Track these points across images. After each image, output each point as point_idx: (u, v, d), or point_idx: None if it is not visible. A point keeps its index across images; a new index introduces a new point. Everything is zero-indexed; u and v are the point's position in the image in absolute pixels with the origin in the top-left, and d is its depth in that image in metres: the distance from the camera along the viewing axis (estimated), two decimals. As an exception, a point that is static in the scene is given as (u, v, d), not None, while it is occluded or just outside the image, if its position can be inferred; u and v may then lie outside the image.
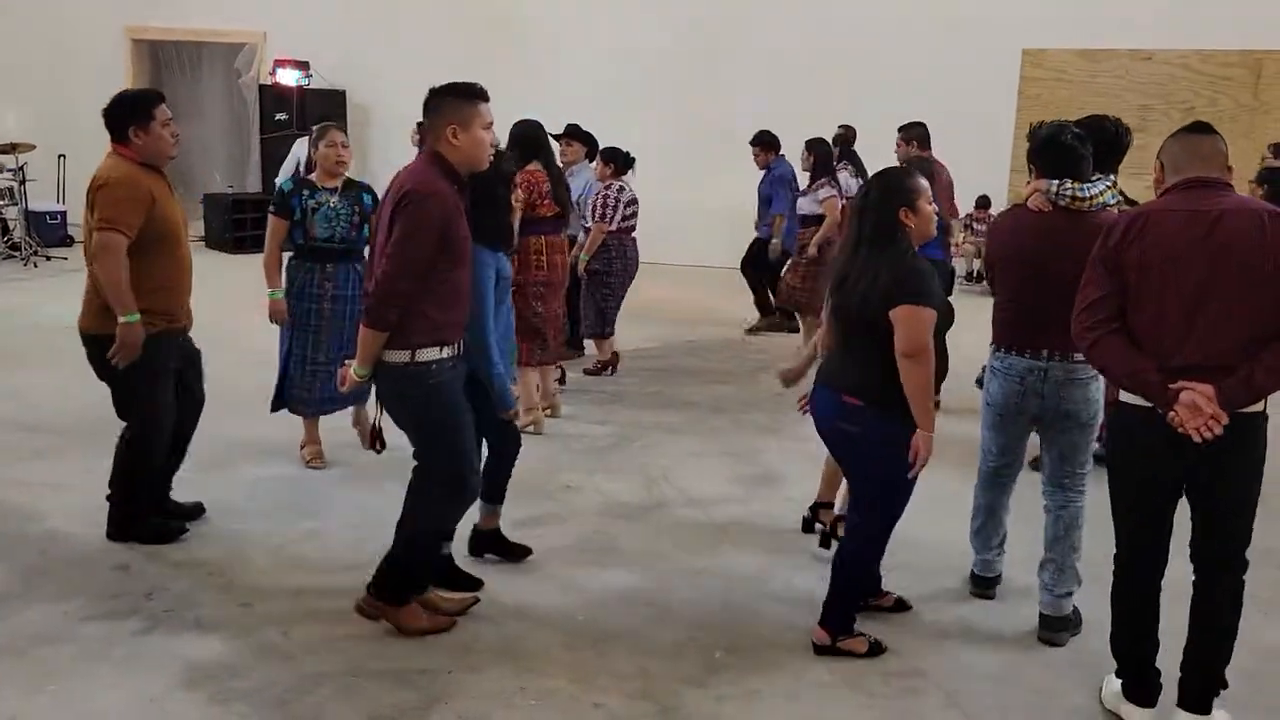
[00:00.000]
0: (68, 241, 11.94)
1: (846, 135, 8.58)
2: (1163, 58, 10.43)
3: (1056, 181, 3.51)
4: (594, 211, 6.82)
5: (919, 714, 3.13)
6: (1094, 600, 3.93)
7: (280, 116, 12.41)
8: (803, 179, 8.26)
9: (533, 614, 3.63)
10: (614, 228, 6.84)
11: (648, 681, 3.24)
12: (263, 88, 12.80)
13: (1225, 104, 10.27)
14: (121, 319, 3.81)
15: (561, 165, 6.35)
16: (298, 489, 4.79)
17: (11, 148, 10.92)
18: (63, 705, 3.04)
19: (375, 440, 3.55)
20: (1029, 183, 3.65)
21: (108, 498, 4.15)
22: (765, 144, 8.58)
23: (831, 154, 7.93)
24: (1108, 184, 3.59)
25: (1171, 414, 2.78)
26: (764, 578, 4.01)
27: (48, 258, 11.01)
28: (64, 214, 12.10)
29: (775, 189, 8.47)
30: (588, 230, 6.94)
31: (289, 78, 12.57)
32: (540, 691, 3.17)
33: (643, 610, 3.71)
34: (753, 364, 7.60)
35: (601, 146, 7.17)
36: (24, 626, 3.46)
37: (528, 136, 5.75)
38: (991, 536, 3.90)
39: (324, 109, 12.73)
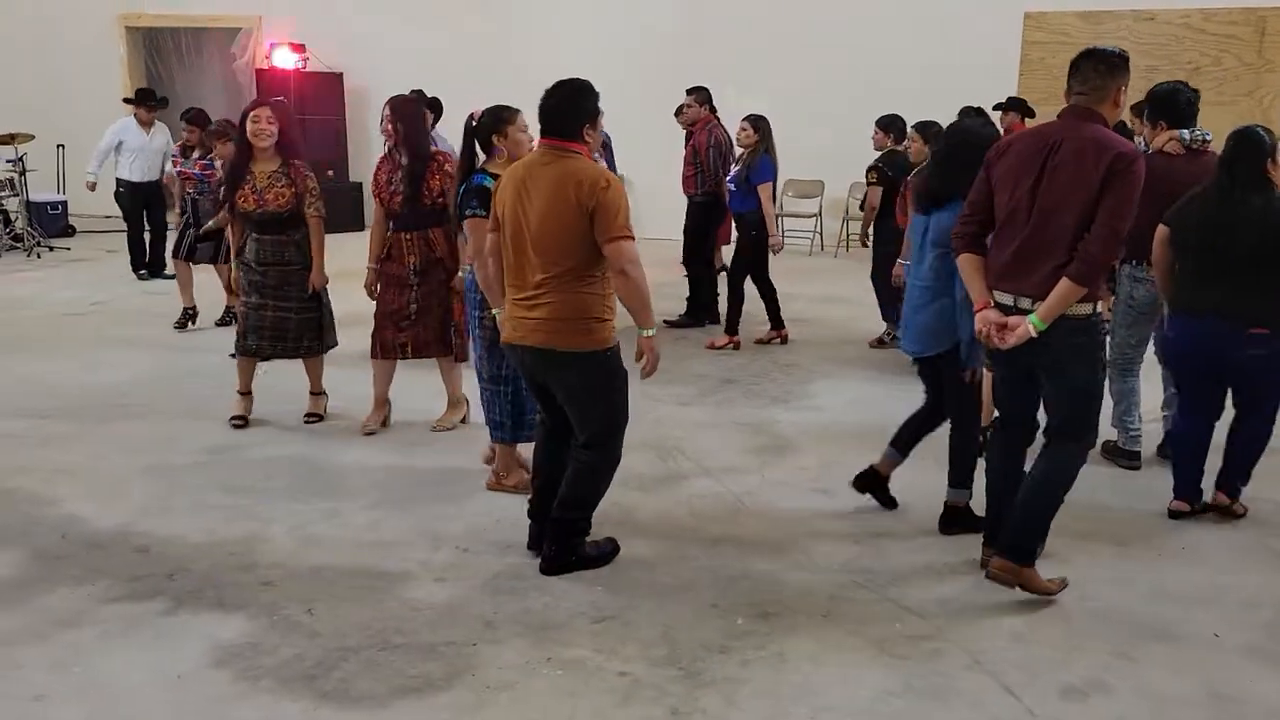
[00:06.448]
0: (69, 231, 11.92)
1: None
2: (1165, 18, 10.32)
3: (1187, 131, 4.62)
4: None
5: (944, 675, 3.13)
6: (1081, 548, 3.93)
7: (278, 100, 12.35)
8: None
9: (555, 587, 3.63)
10: None
11: (672, 649, 3.25)
12: (259, 72, 12.73)
13: (1229, 63, 10.18)
14: (645, 332, 3.63)
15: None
16: (315, 469, 4.79)
17: (10, 138, 10.84)
18: (89, 684, 3.04)
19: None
20: (1161, 134, 4.70)
21: (555, 520, 3.74)
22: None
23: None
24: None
25: None
26: (782, 545, 4.01)
27: (50, 248, 10.98)
28: (64, 204, 12.06)
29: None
30: None
31: (285, 61, 12.50)
32: (565, 661, 3.18)
33: (663, 580, 3.72)
34: (759, 335, 7.55)
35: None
36: (47, 609, 3.46)
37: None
38: (1133, 410, 4.86)
39: (321, 92, 12.70)
